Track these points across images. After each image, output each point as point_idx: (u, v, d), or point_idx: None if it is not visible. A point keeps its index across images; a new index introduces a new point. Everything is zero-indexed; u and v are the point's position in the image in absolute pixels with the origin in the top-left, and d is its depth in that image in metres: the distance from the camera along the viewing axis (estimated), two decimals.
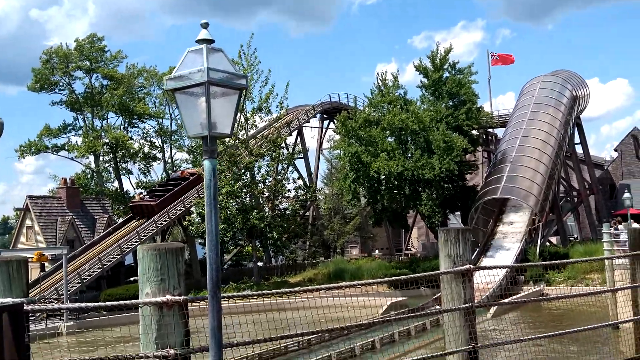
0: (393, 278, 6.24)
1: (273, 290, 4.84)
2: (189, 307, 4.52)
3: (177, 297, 4.38)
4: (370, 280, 6.68)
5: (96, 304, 4.45)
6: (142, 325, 4.37)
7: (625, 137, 69.43)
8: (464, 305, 6.29)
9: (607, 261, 25.12)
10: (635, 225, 29.99)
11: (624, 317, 8.91)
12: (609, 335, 20.28)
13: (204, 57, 4.15)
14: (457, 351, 6.14)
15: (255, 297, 5.07)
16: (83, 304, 4.61)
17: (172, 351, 4.32)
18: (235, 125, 4.44)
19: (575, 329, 8.14)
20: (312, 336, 20.74)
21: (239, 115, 41.22)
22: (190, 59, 4.22)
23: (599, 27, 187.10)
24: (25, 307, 4.18)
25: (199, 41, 4.22)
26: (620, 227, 27.78)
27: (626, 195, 42.54)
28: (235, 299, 4.77)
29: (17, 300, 4.20)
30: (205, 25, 4.28)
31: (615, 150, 70.54)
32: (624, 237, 25.84)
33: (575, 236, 55.91)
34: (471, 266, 6.47)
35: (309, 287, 6.23)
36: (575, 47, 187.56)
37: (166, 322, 4.35)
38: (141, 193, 53.04)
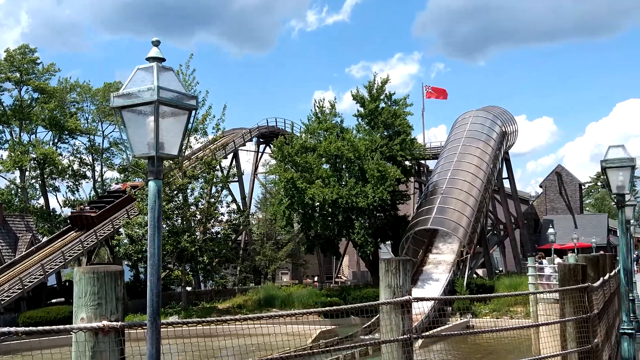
0: (331, 308, 6.27)
1: (213, 318, 4.70)
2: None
3: (114, 323, 4.18)
4: (312, 310, 6.61)
5: (30, 328, 4.20)
6: (75, 352, 4.15)
7: (550, 174, 72.24)
8: (402, 337, 6.28)
9: (532, 295, 25.77)
10: (558, 260, 30.97)
11: (547, 352, 9.11)
12: None
13: (154, 75, 4.03)
14: None
15: (195, 324, 4.93)
16: (7, 328, 4.35)
17: None
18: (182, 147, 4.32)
19: None
20: None
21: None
22: (140, 76, 4.09)
23: (527, 66, 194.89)
24: None
25: (149, 59, 4.10)
26: (544, 261, 28.63)
27: (550, 230, 44.08)
28: (175, 325, 4.61)
29: None
30: (156, 43, 4.17)
31: (540, 186, 73.24)
32: (548, 271, 26.64)
33: (501, 269, 57.40)
34: (411, 297, 6.48)
35: (248, 316, 6.11)
36: (504, 84, 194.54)
37: (101, 349, 4.14)
38: (81, 204, 52.31)
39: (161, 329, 4.28)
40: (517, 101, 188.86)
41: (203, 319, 4.70)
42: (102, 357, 4.17)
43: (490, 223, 55.31)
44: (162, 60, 4.11)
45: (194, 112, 4.29)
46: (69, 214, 49.44)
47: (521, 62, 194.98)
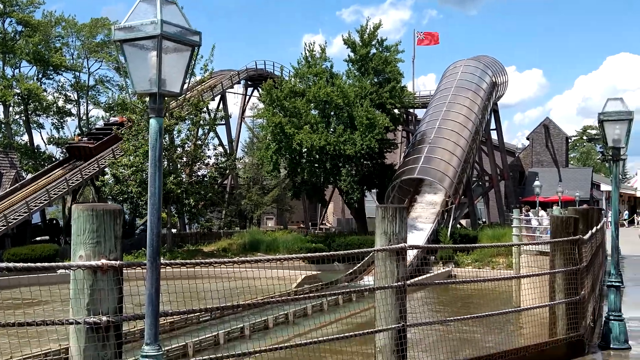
0: (321, 254, 6.23)
1: (211, 260, 4.66)
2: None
3: (113, 262, 4.15)
4: (302, 255, 6.60)
5: (19, 264, 4.13)
6: (73, 290, 4.12)
7: (537, 126, 72.40)
8: (397, 284, 6.31)
9: (515, 247, 26.09)
10: (542, 212, 31.31)
11: (528, 302, 9.27)
12: (511, 318, 21.14)
13: (157, 8, 3.87)
14: (388, 329, 6.16)
15: (193, 265, 4.89)
16: (6, 264, 4.28)
17: (104, 318, 4.09)
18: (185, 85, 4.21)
19: (491, 313, 8.38)
20: (239, 308, 20.52)
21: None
22: (142, 9, 3.93)
23: (519, 16, 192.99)
24: None
25: None
26: (530, 213, 28.88)
27: (536, 183, 44.37)
28: (172, 266, 4.57)
29: None
30: None
31: (527, 138, 73.46)
32: (534, 223, 26.91)
33: (484, 220, 58.00)
34: (406, 244, 6.49)
35: (238, 259, 6.09)
36: (496, 34, 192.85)
37: (100, 287, 4.12)
38: (79, 135, 52.89)
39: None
40: (507, 52, 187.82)
41: (197, 261, 4.67)
42: (101, 295, 4.15)
43: (476, 174, 55.57)
44: None
45: (197, 48, 4.16)
46: (67, 145, 50.48)
47: (513, 12, 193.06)
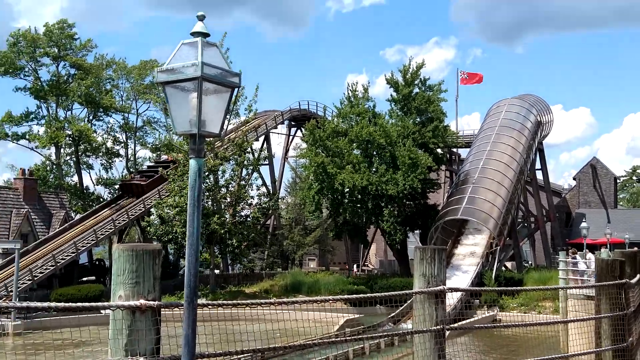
0: (359, 296, 6.19)
1: (249, 301, 4.63)
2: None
3: (151, 302, 4.15)
4: (340, 297, 6.52)
5: (68, 304, 4.18)
6: (112, 330, 4.12)
7: (584, 166, 71.02)
8: (435, 327, 6.17)
9: (562, 290, 25.42)
10: (590, 255, 30.47)
11: (575, 348, 8.94)
12: None
13: (198, 50, 3.95)
14: None
15: (230, 306, 4.87)
16: (39, 303, 4.33)
17: (141, 359, 4.08)
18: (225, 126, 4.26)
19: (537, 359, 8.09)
20: (271, 351, 20.39)
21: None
22: (184, 51, 4.01)
23: (566, 54, 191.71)
24: None
25: (194, 34, 4.02)
26: (577, 256, 28.14)
27: (583, 224, 43.30)
28: (210, 307, 4.56)
29: None
30: (201, 18, 4.08)
31: (574, 178, 72.08)
32: (581, 266, 26.19)
33: (530, 262, 56.77)
34: (445, 287, 6.36)
35: (281, 300, 6.05)
36: (542, 72, 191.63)
37: (138, 328, 4.11)
38: (132, 173, 54.81)
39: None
40: (554, 90, 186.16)
41: (235, 302, 4.65)
42: (139, 335, 4.14)
43: (521, 215, 54.66)
44: (207, 35, 4.03)
45: (236, 89, 4.21)
46: (120, 182, 52.36)
47: (560, 49, 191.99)
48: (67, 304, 4.21)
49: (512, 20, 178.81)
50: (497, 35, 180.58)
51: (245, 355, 21.06)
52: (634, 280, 9.37)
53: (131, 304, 4.10)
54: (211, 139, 39.26)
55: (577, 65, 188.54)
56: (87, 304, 4.15)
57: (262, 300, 4.96)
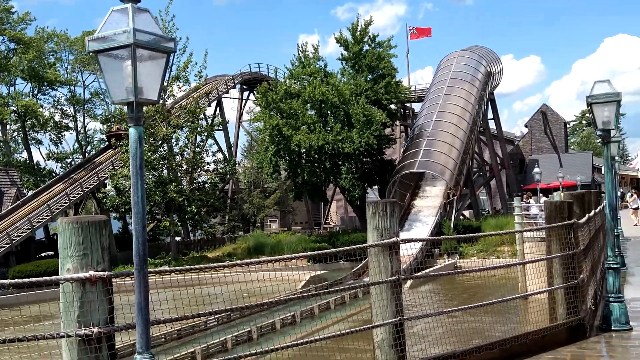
0: (318, 252, 6.34)
1: (200, 265, 4.66)
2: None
3: (101, 273, 4.15)
4: (300, 254, 6.62)
5: (16, 280, 4.15)
6: (63, 303, 4.12)
7: (535, 113, 72.34)
8: (391, 278, 6.31)
9: (518, 234, 26.09)
10: (544, 199, 31.28)
11: (533, 288, 9.26)
12: (519, 305, 21.10)
13: (129, 17, 3.88)
14: (385, 324, 6.16)
15: (183, 272, 4.90)
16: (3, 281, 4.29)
17: (95, 329, 4.10)
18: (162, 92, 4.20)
19: (491, 301, 8.34)
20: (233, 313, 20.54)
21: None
22: (115, 18, 3.94)
23: (515, 4, 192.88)
24: None
25: (124, 0, 3.94)
26: (531, 200, 28.86)
27: (536, 170, 44.37)
28: (162, 274, 4.58)
29: None
30: None
31: (526, 126, 73.38)
32: (534, 210, 26.90)
33: (487, 209, 57.97)
34: (398, 239, 6.49)
35: (236, 262, 6.10)
36: (492, 22, 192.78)
37: (89, 299, 4.12)
38: (116, 123, 52.64)
39: (150, 278, 4.25)
40: (504, 40, 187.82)
41: (189, 267, 4.68)
42: (91, 306, 4.15)
43: (476, 164, 55.55)
44: (138, 1, 3.96)
45: (172, 55, 4.17)
46: (105, 134, 51.27)
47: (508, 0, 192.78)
48: (15, 280, 4.19)
49: None
50: None
51: (214, 317, 21.21)
52: (582, 220, 9.70)
53: (80, 276, 4.10)
54: (161, 107, 38.41)
55: (526, 14, 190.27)
56: (34, 279, 4.14)
57: (218, 264, 4.98)
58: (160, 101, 42.48)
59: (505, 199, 55.07)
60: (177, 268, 4.61)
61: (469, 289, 27.92)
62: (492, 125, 59.47)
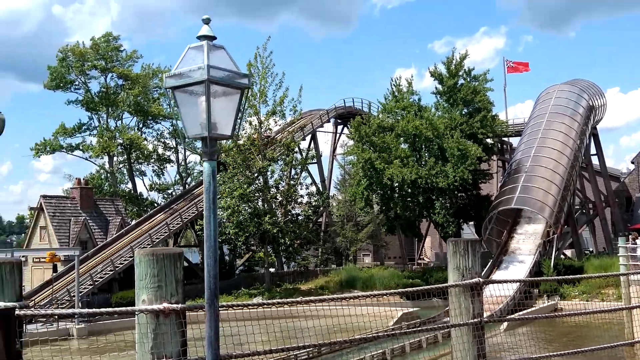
0: (404, 290, 6.16)
1: (275, 301, 4.64)
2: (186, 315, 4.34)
3: (175, 305, 4.20)
4: (383, 292, 6.47)
5: (93, 310, 4.28)
6: (138, 334, 4.20)
7: None
8: (472, 321, 6.06)
9: (623, 277, 24.68)
10: None
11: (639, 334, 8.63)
12: (623, 352, 19.83)
13: (204, 54, 3.97)
14: None
15: (256, 306, 4.89)
16: (77, 310, 4.44)
17: None
18: (240, 128, 4.24)
19: (592, 348, 7.83)
20: (323, 348, 20.45)
21: (250, 117, 41.59)
22: (191, 55, 4.04)
23: (621, 36, 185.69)
24: (17, 312, 4.05)
25: (200, 37, 4.04)
26: (637, 241, 27.25)
27: None
28: (235, 308, 4.59)
29: (9, 304, 4.05)
30: (207, 21, 4.10)
31: (632, 162, 69.78)
32: None
33: (591, 249, 55.26)
34: (480, 279, 6.24)
35: (323, 297, 6.05)
36: (596, 55, 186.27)
37: (162, 331, 4.17)
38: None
39: (233, 311, 4.26)
40: (610, 73, 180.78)
41: (262, 302, 4.66)
42: (164, 338, 4.20)
43: (579, 202, 53.25)
44: (213, 38, 4.05)
45: (246, 90, 4.22)
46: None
47: (613, 31, 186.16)
48: (100, 310, 4.31)
49: (562, 4, 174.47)
50: (548, 21, 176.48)
51: (303, 350, 21.21)
52: None
53: (154, 307, 4.16)
54: (257, 140, 39.14)
55: (632, 47, 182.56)
56: (110, 309, 4.24)
57: (298, 300, 4.96)
58: (256, 134, 43.31)
59: (610, 238, 52.29)
60: (248, 303, 4.61)
61: (569, 333, 26.56)
62: (595, 161, 57.02)
